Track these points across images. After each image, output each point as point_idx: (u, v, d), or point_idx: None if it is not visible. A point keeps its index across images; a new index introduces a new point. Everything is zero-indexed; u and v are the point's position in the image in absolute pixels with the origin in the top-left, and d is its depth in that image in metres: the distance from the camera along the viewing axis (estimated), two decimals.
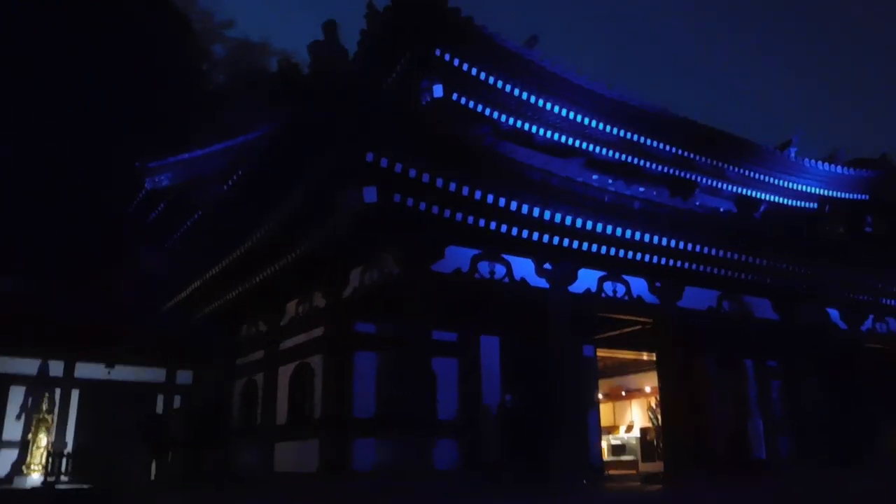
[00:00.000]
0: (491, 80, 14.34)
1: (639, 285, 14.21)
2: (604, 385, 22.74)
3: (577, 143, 16.79)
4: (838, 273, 16.11)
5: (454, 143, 9.54)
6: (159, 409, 20.52)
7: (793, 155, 19.57)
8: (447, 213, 10.44)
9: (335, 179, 9.49)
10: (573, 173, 13.43)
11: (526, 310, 13.23)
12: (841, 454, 17.73)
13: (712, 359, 17.29)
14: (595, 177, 15.34)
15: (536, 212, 10.54)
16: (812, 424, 18.32)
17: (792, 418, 17.55)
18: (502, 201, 10.08)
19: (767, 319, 16.18)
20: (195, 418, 17.41)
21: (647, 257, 13.28)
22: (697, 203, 18.18)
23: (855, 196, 20.23)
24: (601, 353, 19.72)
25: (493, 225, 10.64)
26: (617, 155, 17.63)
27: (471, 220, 10.49)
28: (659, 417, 18.12)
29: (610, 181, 16.79)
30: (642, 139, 17.56)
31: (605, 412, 23.18)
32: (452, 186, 9.75)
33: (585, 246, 12.03)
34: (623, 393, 21.92)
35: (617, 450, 20.49)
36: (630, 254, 13.08)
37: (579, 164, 17.00)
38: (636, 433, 20.45)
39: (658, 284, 14.39)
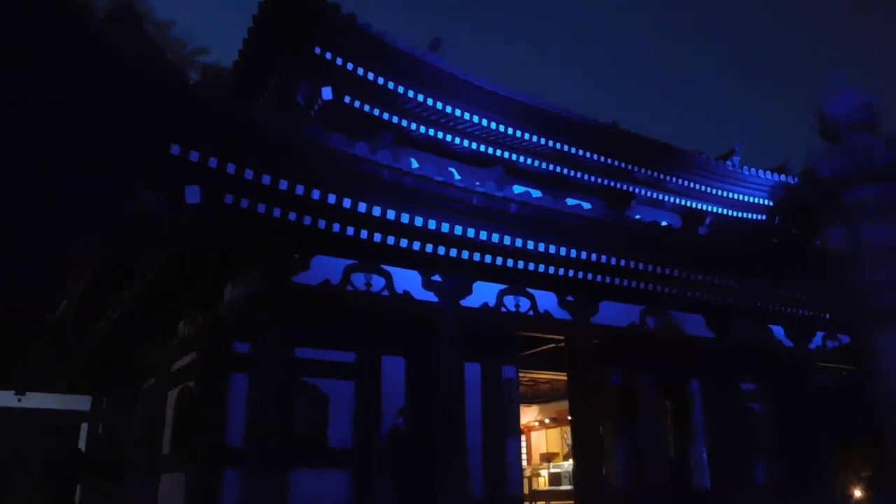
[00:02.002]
0: (390, 84, 13.21)
1: (547, 300, 12.89)
2: (550, 409, 21.41)
3: (497, 151, 15.63)
4: (775, 287, 14.77)
5: (286, 141, 8.32)
6: (83, 439, 19.38)
7: (734, 164, 18.30)
8: (292, 216, 9.24)
9: (151, 180, 8.30)
10: (492, 184, 12.29)
11: (423, 328, 11.97)
12: (792, 483, 16.30)
13: (647, 381, 15.87)
14: (518, 188, 14.16)
15: (391, 214, 9.31)
16: (761, 451, 16.92)
17: (741, 444, 16.09)
18: (331, 199, 8.86)
19: (700, 337, 14.78)
20: (92, 450, 16.22)
21: (550, 269, 12.02)
22: (637, 216, 16.95)
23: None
24: (536, 375, 18.44)
25: (335, 228, 9.41)
26: (543, 165, 16.43)
27: (309, 222, 9.28)
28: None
29: (537, 192, 15.83)
30: (570, 149, 16.36)
31: (551, 438, 21.82)
32: (284, 185, 8.55)
33: (466, 255, 10.78)
34: (570, 418, 20.45)
35: (555, 479, 18.99)
36: (531, 265, 11.83)
37: (499, 173, 15.84)
38: None
39: (570, 299, 13.06)
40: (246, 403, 12.09)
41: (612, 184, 17.53)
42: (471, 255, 10.80)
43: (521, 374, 16.88)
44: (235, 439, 11.92)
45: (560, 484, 18.60)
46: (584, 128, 16.21)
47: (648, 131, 17.98)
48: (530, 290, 12.67)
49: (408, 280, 11.44)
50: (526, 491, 20.04)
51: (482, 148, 15.43)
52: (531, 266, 11.83)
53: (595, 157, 16.85)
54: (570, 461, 19.40)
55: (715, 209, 18.74)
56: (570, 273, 12.33)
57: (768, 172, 18.59)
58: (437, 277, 11.61)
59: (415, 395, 13.17)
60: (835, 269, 6.25)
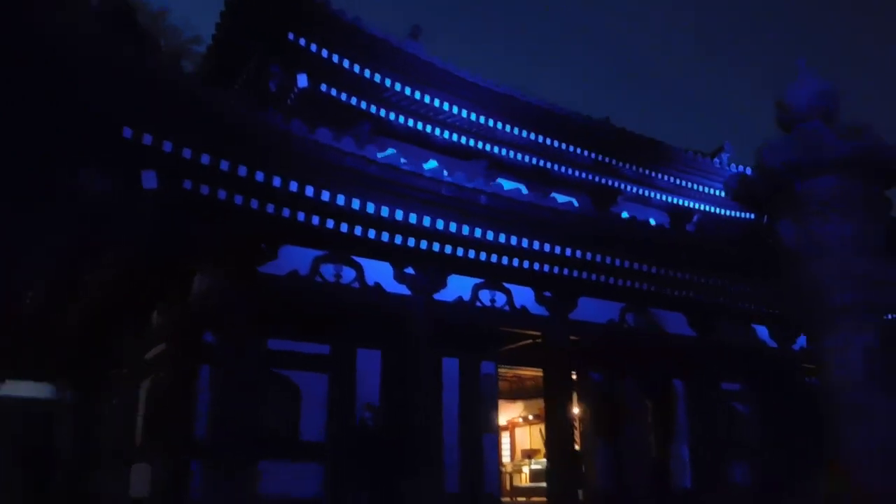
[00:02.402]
0: (366, 72, 12.93)
1: (523, 295, 12.63)
2: (534, 406, 21.16)
3: (480, 144, 15.34)
4: (759, 286, 14.49)
5: (244, 126, 8.06)
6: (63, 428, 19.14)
7: (723, 162, 18.01)
8: (254, 204, 8.98)
9: (104, 164, 8.05)
10: (475, 177, 12.03)
11: (399, 321, 11.72)
12: (776, 485, 16.04)
13: (629, 379, 15.62)
14: (501, 182, 13.94)
15: (356, 203, 9.04)
16: (745, 452, 16.67)
17: (723, 445, 15.84)
18: (293, 187, 8.59)
19: (682, 335, 14.51)
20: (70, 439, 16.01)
21: (525, 264, 11.78)
22: (624, 213, 16.68)
23: None
24: (520, 371, 18.18)
25: (300, 217, 9.14)
26: (527, 159, 16.15)
27: (272, 210, 9.01)
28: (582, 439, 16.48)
29: (522, 187, 15.58)
30: (555, 143, 16.09)
31: (535, 435, 21.59)
32: (243, 171, 8.29)
33: (437, 247, 10.52)
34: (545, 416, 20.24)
35: (537, 476, 18.75)
36: (506, 259, 11.59)
37: (483, 167, 15.57)
38: None
39: (547, 294, 12.80)
40: (214, 395, 11.90)
41: (599, 179, 17.26)
42: (442, 248, 10.54)
43: (504, 371, 16.66)
44: (204, 431, 11.72)
45: (541, 480, 18.32)
46: (567, 122, 15.94)
47: (644, 129, 17.74)
48: (506, 285, 12.41)
49: (379, 272, 11.19)
50: (507, 487, 19.90)
51: (464, 140, 15.15)
52: (506, 260, 11.58)
53: (581, 152, 16.59)
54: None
55: (702, 207, 18.46)
56: (547, 268, 12.07)
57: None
58: (409, 270, 11.36)
59: (390, 390, 12.92)
60: (786, 264, 5.96)
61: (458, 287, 11.88)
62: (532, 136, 15.77)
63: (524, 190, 15.46)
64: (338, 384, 12.81)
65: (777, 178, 5.83)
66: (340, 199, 8.93)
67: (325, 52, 11.98)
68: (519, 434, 22.02)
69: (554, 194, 15.72)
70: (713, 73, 78.83)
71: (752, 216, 18.35)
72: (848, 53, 70.93)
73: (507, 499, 18.54)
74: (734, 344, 15.16)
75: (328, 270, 10.76)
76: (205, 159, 8.05)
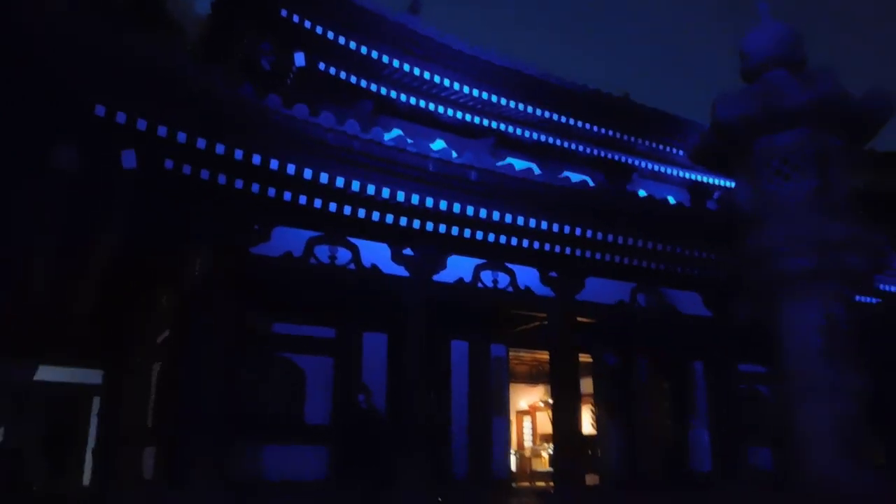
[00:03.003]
0: (363, 48, 12.58)
1: (527, 275, 12.23)
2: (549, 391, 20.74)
3: (487, 121, 14.91)
4: None
5: (220, 103, 7.81)
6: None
7: None
8: (239, 183, 8.75)
9: (81, 144, 7.87)
10: (482, 155, 11.68)
11: (393, 302, 11.45)
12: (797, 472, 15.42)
13: (643, 361, 15.11)
14: (511, 160, 13.55)
15: (339, 181, 8.74)
16: (769, 436, 16.04)
17: (744, 429, 15.28)
18: (274, 165, 8.32)
19: (698, 316, 13.97)
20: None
21: (529, 243, 11.39)
22: (641, 191, 16.11)
23: None
24: (538, 355, 17.78)
25: (286, 196, 8.88)
26: (536, 135, 15.67)
27: (257, 189, 8.78)
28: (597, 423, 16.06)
29: (533, 166, 15.14)
30: (565, 119, 15.56)
31: (544, 419, 21.17)
32: (220, 149, 8.04)
33: (430, 227, 10.17)
34: (550, 400, 19.81)
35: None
36: (507, 239, 11.21)
37: (490, 144, 15.15)
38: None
39: (553, 275, 12.38)
40: (211, 379, 11.77)
41: (614, 156, 16.69)
42: (436, 227, 10.20)
43: (523, 354, 16.35)
44: (203, 414, 11.61)
45: None
46: (578, 96, 15.39)
47: (663, 102, 17.11)
48: (510, 265, 12.03)
49: (376, 253, 10.90)
50: (528, 471, 19.58)
51: (472, 118, 14.74)
52: (506, 239, 11.20)
53: (594, 128, 16.05)
54: None
55: (724, 182, 17.74)
56: (549, 247, 11.66)
57: None
58: (407, 251, 11.05)
59: (394, 373, 12.69)
60: (741, 227, 5.43)
61: (458, 268, 11.54)
62: (542, 111, 15.28)
63: (536, 168, 15.08)
64: (343, 368, 12.58)
65: (732, 133, 5.30)
66: (324, 177, 8.64)
67: (319, 29, 11.66)
68: (540, 418, 21.59)
69: (567, 172, 15.24)
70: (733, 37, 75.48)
71: None
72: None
73: (526, 483, 18.26)
74: (755, 324, 14.51)
75: (323, 252, 10.51)
76: (181, 137, 7.82)
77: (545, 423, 21.75)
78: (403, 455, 11.06)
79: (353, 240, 10.67)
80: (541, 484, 18.10)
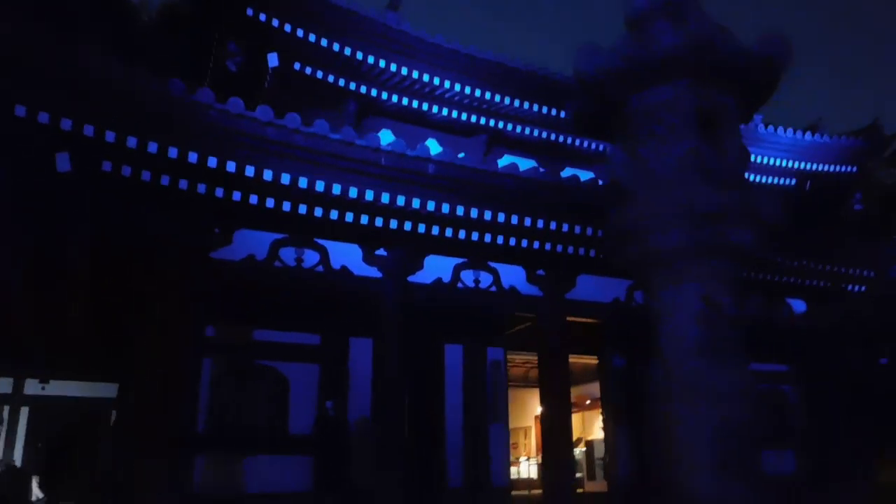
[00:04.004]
0: (344, 49, 12.07)
1: (512, 274, 11.50)
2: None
3: (479, 119, 14.25)
4: (796, 258, 12.82)
5: (147, 100, 7.38)
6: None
7: (759, 125, 16.15)
8: (184, 184, 8.31)
9: (12, 150, 7.55)
10: (475, 153, 11.09)
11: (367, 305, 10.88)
12: (824, 475, 14.29)
13: (651, 363, 14.15)
14: (510, 158, 12.94)
15: (286, 178, 8.21)
16: (792, 438, 14.91)
17: (760, 431, 14.21)
18: (214, 162, 7.83)
19: None
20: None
21: (512, 241, 10.70)
22: None
23: (841, 169, 16.53)
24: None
25: (236, 196, 8.41)
26: (534, 132, 14.95)
27: (206, 191, 8.31)
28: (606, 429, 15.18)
29: (532, 163, 14.43)
30: (561, 114, 14.80)
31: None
32: (154, 148, 7.60)
33: (394, 224, 9.56)
34: (588, 402, 18.90)
35: None
36: (488, 237, 10.54)
37: (483, 142, 14.49)
38: (586, 447, 17.43)
39: (540, 273, 11.64)
40: (216, 389, 11.38)
41: None
42: (401, 225, 9.60)
43: (531, 357, 15.58)
44: (189, 425, 11.23)
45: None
46: (569, 89, 14.57)
47: None
48: (493, 265, 11.34)
49: (346, 255, 10.35)
50: (536, 478, 18.73)
51: (465, 116, 14.12)
52: (487, 237, 10.53)
53: None
54: (580, 448, 17.97)
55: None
56: (541, 245, 10.96)
57: (798, 132, 16.35)
58: (380, 252, 10.47)
59: (378, 380, 12.10)
60: (612, 200, 4.63)
61: (436, 268, 10.91)
62: (539, 108, 14.56)
63: (536, 166, 14.37)
64: (329, 375, 12.06)
65: (601, 91, 4.52)
66: (268, 174, 8.13)
67: (288, 27, 11.19)
68: None
69: (569, 169, 14.51)
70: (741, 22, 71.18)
71: (793, 182, 16.51)
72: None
73: (537, 490, 17.43)
74: (767, 322, 13.49)
75: (288, 254, 10.00)
76: (110, 137, 7.42)
77: None
78: (382, 465, 10.46)
79: (321, 241, 10.15)
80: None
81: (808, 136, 16.31)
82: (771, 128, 16.24)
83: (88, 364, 17.93)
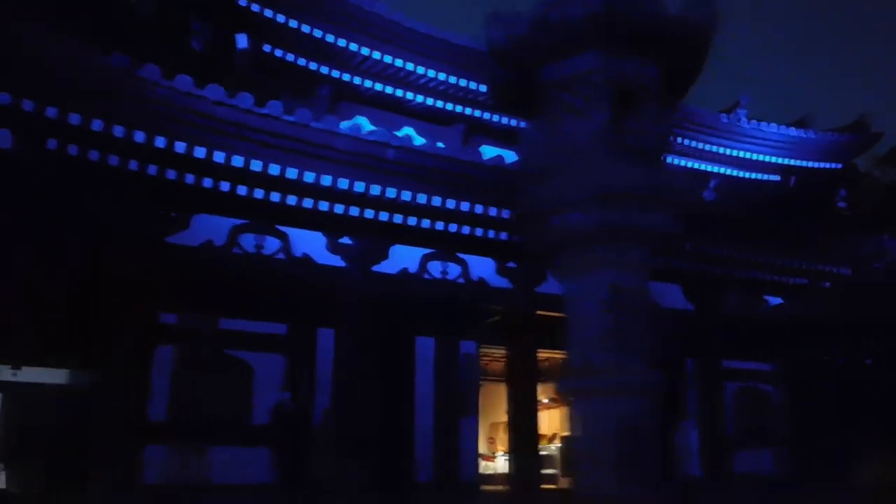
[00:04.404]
0: (316, 31, 11.73)
1: (482, 266, 11.19)
2: (548, 389, 19.57)
3: (457, 108, 13.90)
4: (775, 255, 12.51)
5: (88, 76, 7.03)
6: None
7: (743, 119, 15.81)
8: (133, 165, 7.97)
9: None
10: (454, 142, 10.75)
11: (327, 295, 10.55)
12: (806, 476, 14.03)
13: None
14: (488, 147, 12.59)
15: (237, 161, 7.88)
16: (774, 438, 14.63)
17: (740, 429, 13.97)
18: (162, 142, 7.49)
19: (678, 309, 12.70)
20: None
21: (479, 231, 10.37)
22: None
23: (826, 166, 16.21)
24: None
25: (170, 174, 8.04)
26: (514, 122, 14.58)
27: (158, 172, 7.96)
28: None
29: (512, 154, 14.08)
30: None
31: (552, 419, 19.97)
32: (98, 126, 7.27)
33: (355, 212, 9.24)
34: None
35: (544, 462, 17.17)
36: (454, 227, 10.21)
37: (460, 131, 14.15)
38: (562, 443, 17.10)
39: (511, 265, 11.33)
40: (176, 378, 11.06)
41: None
42: (362, 213, 9.27)
43: (495, 351, 15.27)
44: (159, 413, 10.93)
45: (548, 467, 16.81)
46: None
47: None
48: (461, 256, 11.01)
49: (309, 242, 10.02)
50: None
51: (439, 104, 13.75)
52: (455, 228, 10.20)
53: None
54: (557, 443, 17.67)
55: (721, 170, 16.33)
56: (506, 236, 10.61)
57: (782, 126, 16.01)
58: (345, 240, 10.14)
59: (340, 371, 11.80)
60: (528, 179, 4.29)
61: (403, 258, 10.58)
62: None
63: (513, 156, 14.04)
64: (295, 366, 11.75)
65: (514, 61, 4.16)
66: (219, 157, 7.79)
67: (255, 7, 10.83)
68: (540, 418, 20.38)
69: None
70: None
71: (779, 179, 16.20)
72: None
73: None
74: (744, 319, 13.20)
75: (248, 241, 9.67)
76: (51, 113, 7.08)
77: (544, 423, 20.60)
78: (343, 458, 10.17)
79: (282, 228, 9.81)
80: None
81: (791, 131, 15.97)
82: (754, 122, 15.89)
83: (51, 351, 17.61)
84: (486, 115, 14.18)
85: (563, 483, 16.61)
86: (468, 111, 14.01)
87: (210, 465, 10.58)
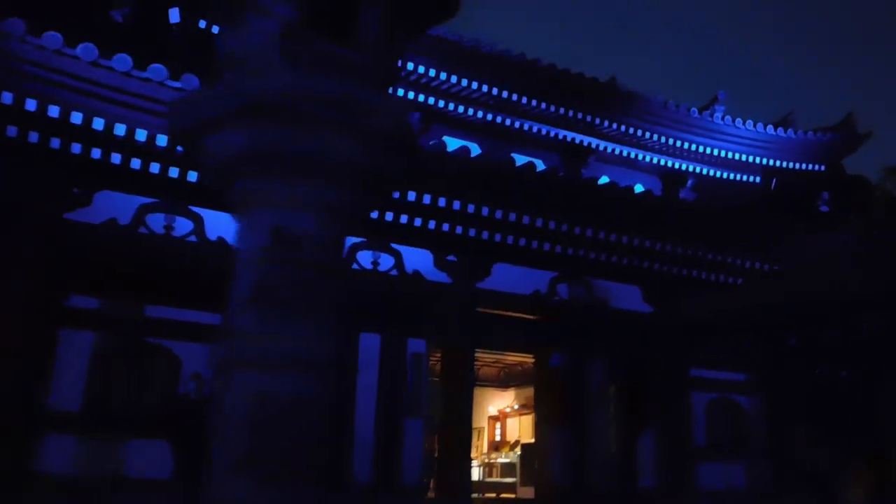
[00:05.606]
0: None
1: (418, 258, 10.35)
2: (524, 394, 18.69)
3: (419, 97, 13.11)
4: (740, 256, 11.56)
5: None
6: None
7: (718, 117, 14.81)
8: (12, 131, 7.25)
9: None
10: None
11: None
12: (779, 491, 13.03)
13: (596, 364, 12.90)
14: (451, 140, 11.81)
15: (100, 122, 7.11)
16: (745, 451, 13.61)
17: (704, 441, 12.99)
18: (31, 105, 6.74)
19: (635, 312, 11.76)
20: None
21: (418, 222, 9.57)
22: (604, 176, 14.00)
23: (809, 167, 15.15)
24: (504, 357, 15.86)
25: (54, 143, 7.32)
26: (479, 114, 13.77)
27: (40, 139, 7.21)
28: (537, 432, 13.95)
29: (473, 145, 13.30)
30: (514, 96, 13.60)
31: (525, 425, 19.05)
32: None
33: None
34: (530, 404, 17.71)
35: (506, 469, 16.28)
36: (389, 216, 9.42)
37: (415, 119, 13.32)
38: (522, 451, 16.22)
39: (451, 259, 10.48)
40: (89, 366, 10.36)
41: (570, 138, 14.59)
42: None
43: (487, 356, 14.48)
44: (65, 402, 10.22)
45: (508, 475, 15.93)
46: (526, 71, 13.42)
47: (643, 86, 14.93)
48: (395, 246, 10.19)
49: (226, 225, 9.25)
50: (476, 479, 17.56)
51: (400, 93, 12.95)
52: (390, 217, 9.41)
53: (547, 106, 14.01)
54: (517, 451, 16.77)
55: (697, 169, 15.35)
56: (446, 227, 9.80)
57: (760, 125, 14.97)
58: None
59: None
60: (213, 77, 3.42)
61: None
62: (484, 87, 13.39)
63: (477, 148, 13.22)
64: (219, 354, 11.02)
65: None
66: (98, 123, 7.05)
67: None
68: (510, 424, 19.50)
69: (515, 153, 13.33)
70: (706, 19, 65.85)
71: (758, 180, 15.19)
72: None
73: (476, 494, 16.27)
74: (710, 323, 12.20)
75: (157, 220, 8.92)
76: None
77: (514, 430, 19.70)
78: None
79: (195, 209, 9.06)
80: (491, 495, 16.07)
81: (770, 129, 14.95)
82: (729, 118, 14.88)
83: None
84: (451, 107, 13.40)
85: (522, 492, 15.72)
86: (431, 101, 13.23)
87: (125, 459, 9.89)
